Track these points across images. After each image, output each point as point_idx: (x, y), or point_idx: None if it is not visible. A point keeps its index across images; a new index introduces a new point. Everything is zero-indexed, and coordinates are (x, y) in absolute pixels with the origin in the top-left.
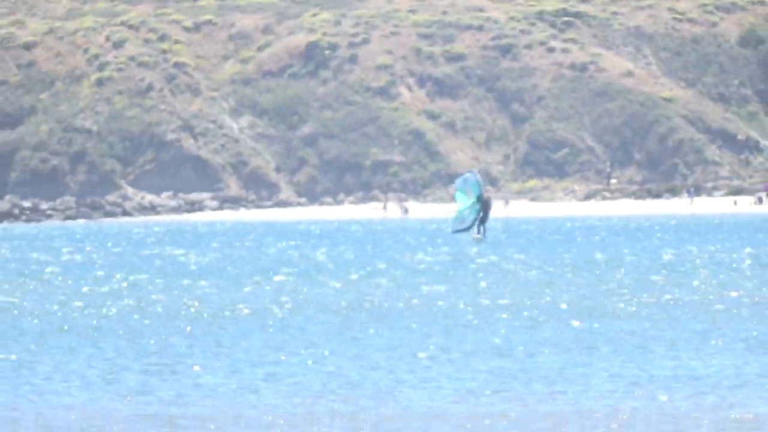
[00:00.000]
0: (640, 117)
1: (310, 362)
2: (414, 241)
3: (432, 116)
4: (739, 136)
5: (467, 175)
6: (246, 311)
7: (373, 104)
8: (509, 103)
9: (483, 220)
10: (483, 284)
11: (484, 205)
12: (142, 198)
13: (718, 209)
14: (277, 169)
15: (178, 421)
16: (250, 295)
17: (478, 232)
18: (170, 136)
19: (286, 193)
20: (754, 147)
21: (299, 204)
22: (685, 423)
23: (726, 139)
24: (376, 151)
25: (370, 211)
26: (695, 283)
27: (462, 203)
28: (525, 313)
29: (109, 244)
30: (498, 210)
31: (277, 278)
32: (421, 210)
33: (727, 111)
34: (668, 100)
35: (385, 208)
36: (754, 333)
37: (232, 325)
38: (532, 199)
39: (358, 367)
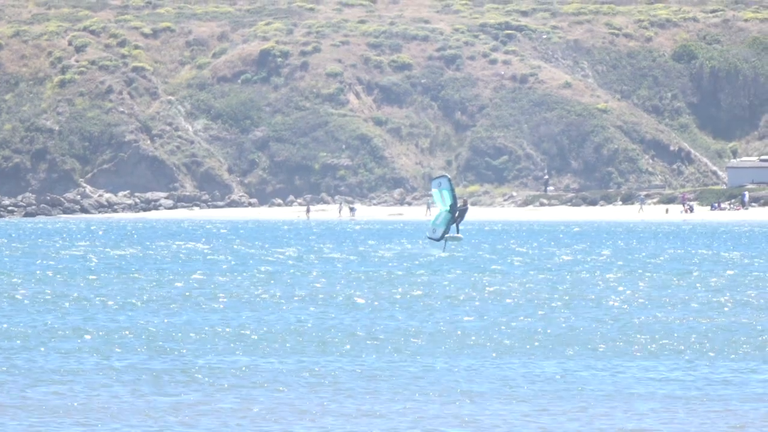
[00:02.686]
0: (577, 127)
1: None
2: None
3: (378, 122)
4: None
5: (441, 180)
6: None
7: (323, 110)
8: (452, 111)
9: (457, 222)
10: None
11: (460, 212)
12: (100, 196)
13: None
14: (230, 171)
15: None
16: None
17: (449, 232)
18: (128, 137)
19: (238, 193)
20: (686, 157)
21: (250, 204)
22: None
23: (659, 149)
24: (325, 155)
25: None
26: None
27: (438, 203)
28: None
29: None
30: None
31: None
32: (367, 212)
33: (661, 122)
34: (604, 110)
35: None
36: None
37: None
38: (473, 204)
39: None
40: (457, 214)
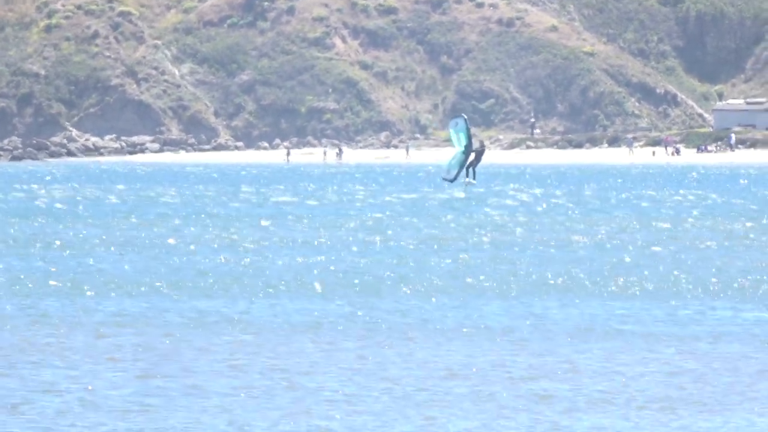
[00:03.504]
0: (563, 70)
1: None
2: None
3: (365, 66)
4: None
5: (458, 120)
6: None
7: (309, 54)
8: (438, 55)
9: (473, 165)
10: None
11: (476, 153)
12: (86, 140)
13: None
14: (216, 114)
15: None
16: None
17: (467, 176)
18: (114, 81)
19: (224, 137)
20: (672, 100)
21: (236, 148)
22: None
23: (645, 92)
24: (311, 99)
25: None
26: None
27: (455, 144)
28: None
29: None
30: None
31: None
32: (353, 155)
33: (647, 66)
34: (590, 54)
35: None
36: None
37: None
38: None
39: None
40: (473, 157)
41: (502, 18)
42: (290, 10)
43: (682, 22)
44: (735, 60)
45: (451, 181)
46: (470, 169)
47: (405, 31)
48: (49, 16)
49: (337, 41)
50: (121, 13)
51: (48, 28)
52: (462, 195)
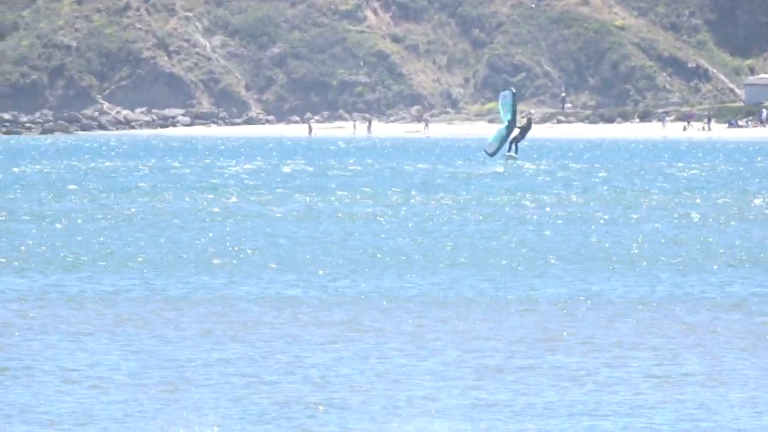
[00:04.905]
0: (594, 44)
1: None
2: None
3: (396, 39)
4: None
5: (505, 93)
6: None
7: (340, 26)
8: (470, 28)
9: (517, 140)
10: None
11: (521, 129)
12: (117, 113)
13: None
14: (247, 87)
15: None
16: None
17: (509, 150)
18: (146, 54)
19: (255, 110)
20: (703, 75)
21: (267, 121)
22: None
23: (676, 66)
24: (342, 72)
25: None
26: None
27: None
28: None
29: None
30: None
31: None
32: (383, 129)
33: (678, 40)
34: (621, 28)
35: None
36: None
37: None
38: (491, 121)
39: None
40: (518, 132)
41: None
42: None
43: None
44: (766, 34)
45: (491, 155)
46: (514, 144)
47: (436, 3)
48: None
49: (369, 14)
50: None
51: (79, 0)
52: (501, 170)
